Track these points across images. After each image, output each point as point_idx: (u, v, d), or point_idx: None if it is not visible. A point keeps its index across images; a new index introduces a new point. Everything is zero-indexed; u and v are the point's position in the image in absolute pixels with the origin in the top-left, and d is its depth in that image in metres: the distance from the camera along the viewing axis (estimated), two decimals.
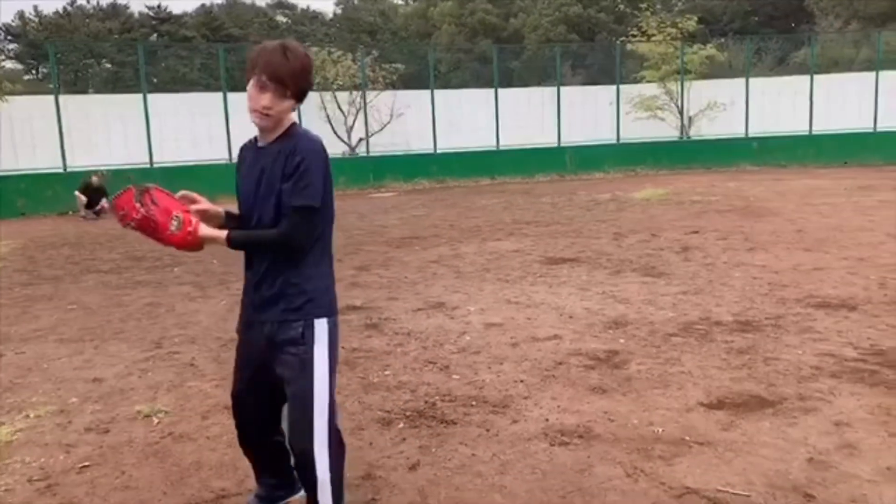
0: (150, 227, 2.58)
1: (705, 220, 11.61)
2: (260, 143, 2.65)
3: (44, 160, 18.29)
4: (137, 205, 2.55)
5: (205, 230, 2.66)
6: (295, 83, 2.50)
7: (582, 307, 6.43)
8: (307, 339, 2.65)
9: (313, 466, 2.66)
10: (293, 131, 2.61)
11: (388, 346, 5.51)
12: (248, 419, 2.91)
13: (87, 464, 3.69)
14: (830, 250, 8.54)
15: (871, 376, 4.42)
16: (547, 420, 3.98)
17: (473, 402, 4.27)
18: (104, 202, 16.18)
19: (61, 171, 18.16)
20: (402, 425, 4.00)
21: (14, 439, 4.02)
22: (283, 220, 2.57)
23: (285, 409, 2.75)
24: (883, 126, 23.01)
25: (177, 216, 2.61)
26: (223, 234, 2.67)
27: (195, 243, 2.67)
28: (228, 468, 3.57)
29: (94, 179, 16.20)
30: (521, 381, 4.60)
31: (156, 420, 4.22)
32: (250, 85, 2.51)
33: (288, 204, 2.54)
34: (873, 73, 23.59)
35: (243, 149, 2.75)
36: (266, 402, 2.83)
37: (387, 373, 4.90)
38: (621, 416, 3.98)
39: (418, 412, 4.16)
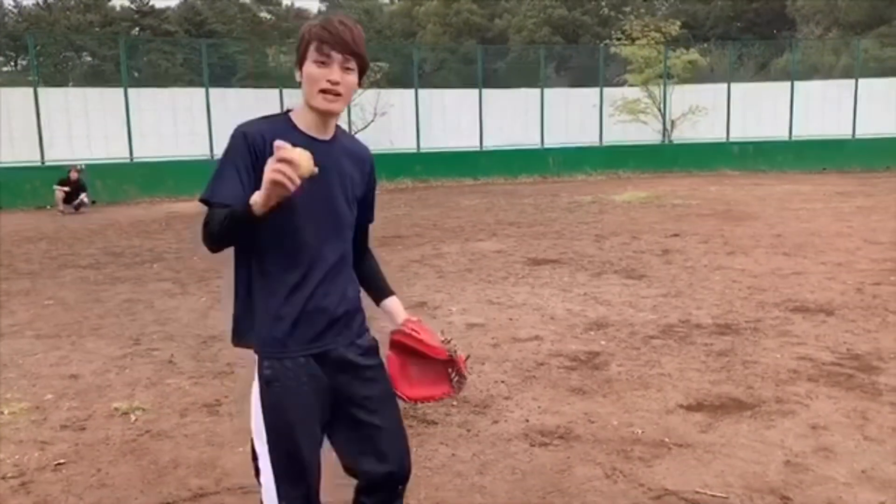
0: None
1: (686, 223, 11.69)
2: (317, 136, 2.11)
3: (22, 153, 18.06)
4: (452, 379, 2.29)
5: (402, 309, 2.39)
6: (363, 59, 2.11)
7: (563, 308, 6.45)
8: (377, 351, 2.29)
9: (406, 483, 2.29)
10: (340, 127, 2.22)
11: None
12: (315, 485, 2.18)
13: (62, 461, 3.64)
14: (809, 255, 8.63)
15: (848, 380, 4.47)
16: (527, 421, 3.99)
17: (454, 402, 4.26)
18: (83, 196, 16.04)
19: (39, 164, 17.95)
20: None
21: None
22: (358, 233, 2.28)
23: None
24: (861, 133, 23.32)
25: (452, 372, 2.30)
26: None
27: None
28: (207, 467, 3.54)
29: (73, 174, 16.06)
30: (502, 382, 4.60)
31: (133, 417, 4.18)
32: (311, 61, 2.04)
33: (367, 220, 2.32)
34: (852, 81, 23.91)
35: (267, 134, 2.02)
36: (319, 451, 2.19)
37: None
38: (601, 418, 3.99)
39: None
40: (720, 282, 7.36)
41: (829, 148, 22.96)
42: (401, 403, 2.27)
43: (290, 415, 2.10)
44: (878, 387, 4.34)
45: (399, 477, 2.25)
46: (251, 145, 2.01)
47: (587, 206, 14.53)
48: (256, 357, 2.12)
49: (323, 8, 63.21)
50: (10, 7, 50.09)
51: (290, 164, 1.78)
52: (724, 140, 23.91)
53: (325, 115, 2.09)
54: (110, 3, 51.53)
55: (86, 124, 19.23)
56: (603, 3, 53.61)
